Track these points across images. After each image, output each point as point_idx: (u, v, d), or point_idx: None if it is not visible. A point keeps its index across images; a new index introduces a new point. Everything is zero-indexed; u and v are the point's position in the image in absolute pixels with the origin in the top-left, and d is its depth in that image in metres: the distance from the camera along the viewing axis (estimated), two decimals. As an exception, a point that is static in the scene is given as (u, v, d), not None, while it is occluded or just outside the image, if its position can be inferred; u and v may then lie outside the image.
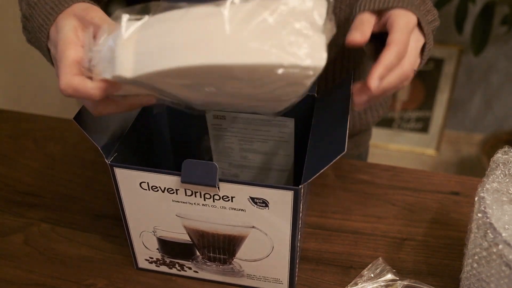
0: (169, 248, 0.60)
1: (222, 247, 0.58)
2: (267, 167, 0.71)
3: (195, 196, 0.53)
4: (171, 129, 0.71)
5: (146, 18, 0.45)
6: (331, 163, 0.47)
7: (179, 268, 0.62)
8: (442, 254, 0.66)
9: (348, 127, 0.51)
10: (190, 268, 0.62)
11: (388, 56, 0.50)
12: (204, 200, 0.53)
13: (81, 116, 0.53)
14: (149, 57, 0.43)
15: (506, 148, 0.56)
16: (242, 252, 0.58)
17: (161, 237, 0.59)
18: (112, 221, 0.71)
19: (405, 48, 0.51)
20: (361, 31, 0.52)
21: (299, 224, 0.54)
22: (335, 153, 0.48)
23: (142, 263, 0.64)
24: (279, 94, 0.46)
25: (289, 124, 0.65)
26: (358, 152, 0.94)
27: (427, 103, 1.99)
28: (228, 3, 0.42)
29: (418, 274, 0.63)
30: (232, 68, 0.41)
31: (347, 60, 0.78)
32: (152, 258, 0.62)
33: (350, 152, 0.91)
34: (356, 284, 0.61)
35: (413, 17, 0.53)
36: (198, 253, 0.60)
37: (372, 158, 1.00)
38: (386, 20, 0.53)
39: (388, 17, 0.53)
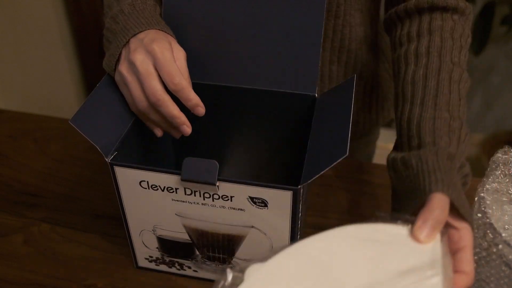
0: (168, 247, 0.60)
1: (221, 247, 0.58)
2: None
3: (195, 195, 0.53)
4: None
5: None
6: (332, 165, 0.47)
7: (178, 267, 0.62)
8: (442, 254, 0.66)
9: (350, 130, 0.51)
10: (189, 267, 0.62)
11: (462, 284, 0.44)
12: (204, 199, 0.53)
13: (79, 118, 0.53)
14: None
15: (506, 148, 0.56)
16: (242, 252, 0.58)
17: (160, 236, 0.59)
18: (112, 221, 0.71)
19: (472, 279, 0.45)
20: (429, 229, 0.43)
21: (298, 224, 0.53)
22: (336, 156, 0.47)
23: (142, 262, 0.64)
24: None
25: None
26: (367, 152, 0.95)
27: (427, 103, 1.98)
28: None
29: (418, 274, 0.63)
30: None
31: (349, 62, 0.78)
32: (151, 257, 0.62)
33: (359, 152, 0.92)
34: (355, 283, 0.60)
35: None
36: (197, 252, 0.60)
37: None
38: (454, 222, 0.46)
39: (460, 228, 0.46)
